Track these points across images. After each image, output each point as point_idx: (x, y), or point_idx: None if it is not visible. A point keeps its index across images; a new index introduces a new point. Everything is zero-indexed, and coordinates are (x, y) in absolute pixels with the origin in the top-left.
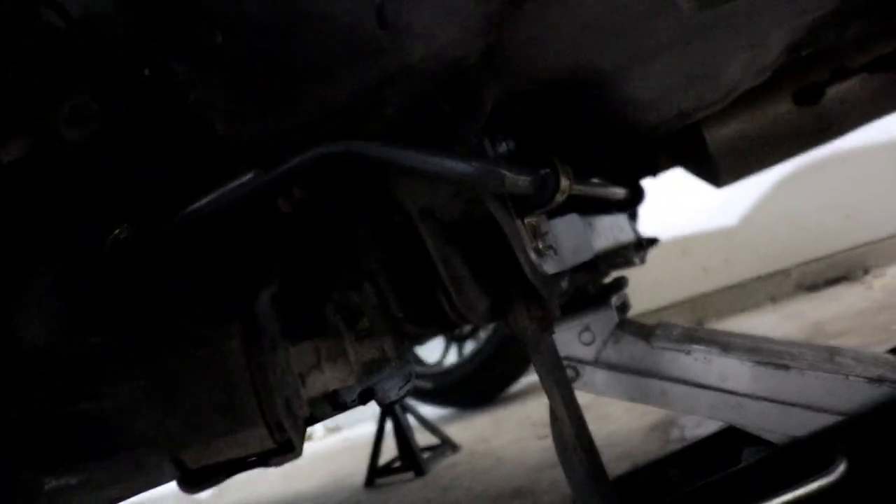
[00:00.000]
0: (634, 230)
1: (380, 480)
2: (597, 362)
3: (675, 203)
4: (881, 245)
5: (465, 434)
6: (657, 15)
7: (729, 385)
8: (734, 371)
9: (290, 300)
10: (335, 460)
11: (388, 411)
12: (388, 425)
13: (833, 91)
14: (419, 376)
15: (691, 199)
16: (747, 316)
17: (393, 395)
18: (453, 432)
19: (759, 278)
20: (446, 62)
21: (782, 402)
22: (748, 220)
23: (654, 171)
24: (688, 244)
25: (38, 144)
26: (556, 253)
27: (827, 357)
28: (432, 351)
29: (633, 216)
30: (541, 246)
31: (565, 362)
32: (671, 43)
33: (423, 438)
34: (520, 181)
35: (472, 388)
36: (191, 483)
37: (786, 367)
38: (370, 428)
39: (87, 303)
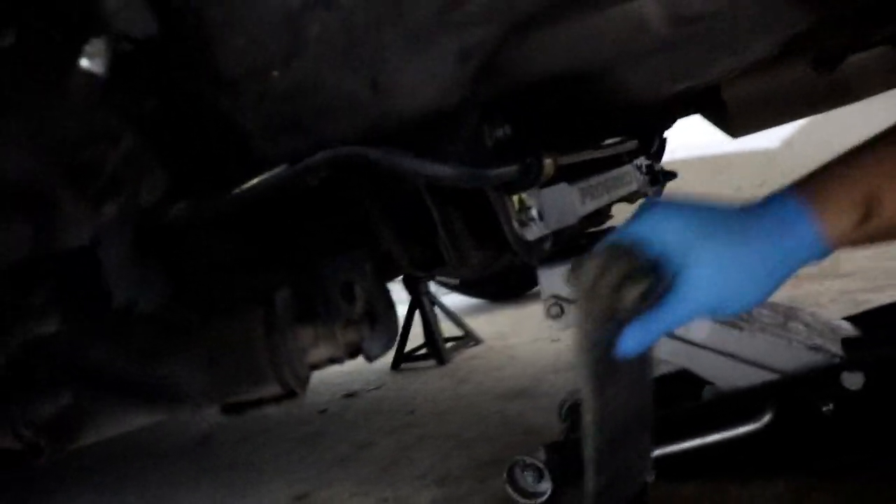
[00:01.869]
0: (649, 170)
1: (405, 365)
2: None
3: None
4: None
5: (488, 328)
6: (638, 31)
7: (690, 336)
8: (696, 324)
9: (303, 285)
10: None
11: (416, 303)
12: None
13: (853, 59)
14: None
15: None
16: None
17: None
18: (478, 325)
19: None
20: (428, 110)
21: (732, 357)
22: (790, 144)
23: (669, 122)
24: (722, 163)
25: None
26: (541, 219)
27: (781, 321)
28: None
29: (655, 155)
30: (524, 218)
31: (553, 300)
32: (654, 51)
33: (450, 329)
34: (504, 173)
35: (499, 284)
36: (228, 411)
37: (739, 328)
38: (402, 312)
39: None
